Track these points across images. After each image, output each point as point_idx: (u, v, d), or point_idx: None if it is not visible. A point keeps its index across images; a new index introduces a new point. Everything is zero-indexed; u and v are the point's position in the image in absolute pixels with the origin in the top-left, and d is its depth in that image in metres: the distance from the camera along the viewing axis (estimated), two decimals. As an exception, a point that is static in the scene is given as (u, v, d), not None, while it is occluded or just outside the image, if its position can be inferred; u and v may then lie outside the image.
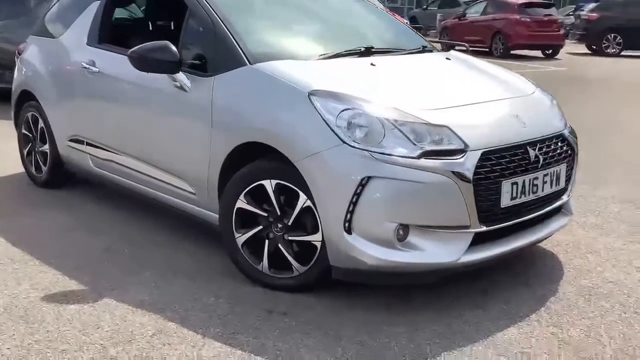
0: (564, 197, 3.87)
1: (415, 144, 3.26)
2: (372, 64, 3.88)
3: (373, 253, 3.26)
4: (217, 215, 3.86)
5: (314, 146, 3.32)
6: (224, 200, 3.72)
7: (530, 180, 3.51)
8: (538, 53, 19.92)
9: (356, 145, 3.25)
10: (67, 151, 5.03)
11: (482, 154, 3.32)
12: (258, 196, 3.63)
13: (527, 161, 3.50)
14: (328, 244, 3.36)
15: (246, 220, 3.69)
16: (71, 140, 4.96)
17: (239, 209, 3.67)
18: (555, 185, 3.70)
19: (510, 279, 3.84)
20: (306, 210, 3.49)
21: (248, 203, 3.64)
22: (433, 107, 3.47)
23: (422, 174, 3.22)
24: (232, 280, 3.76)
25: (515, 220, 3.53)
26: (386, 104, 3.39)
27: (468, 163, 3.27)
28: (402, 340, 3.19)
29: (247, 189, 3.62)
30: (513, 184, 3.43)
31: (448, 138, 3.32)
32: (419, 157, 3.23)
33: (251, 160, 3.66)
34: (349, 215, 3.26)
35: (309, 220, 3.52)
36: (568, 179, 3.84)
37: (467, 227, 3.32)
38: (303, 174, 3.36)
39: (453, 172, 3.24)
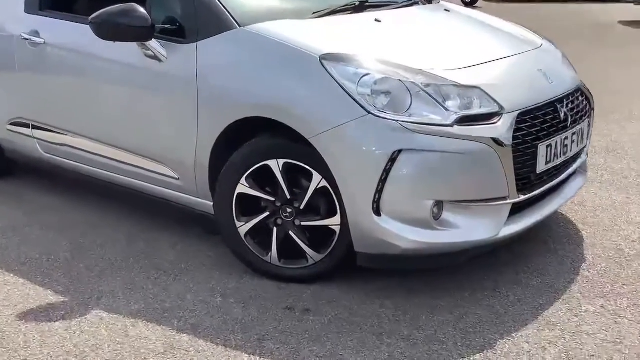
0: (583, 156, 3.60)
1: (447, 110, 2.88)
2: (377, 20, 3.45)
3: (407, 235, 2.89)
4: (209, 203, 3.40)
5: (333, 119, 2.89)
6: (221, 186, 3.25)
7: (561, 140, 3.21)
8: (458, 1, 19.79)
9: (383, 115, 2.85)
10: (8, 136, 4.38)
11: (517, 116, 2.98)
12: (262, 179, 3.18)
13: (558, 120, 3.19)
14: (353, 229, 2.97)
15: (249, 206, 3.24)
16: (12, 124, 4.31)
17: (240, 194, 3.21)
18: (580, 143, 3.42)
19: (532, 247, 3.56)
20: (320, 192, 3.07)
21: (251, 187, 3.18)
22: (457, 66, 3.10)
23: (459, 143, 2.85)
24: (233, 275, 3.32)
25: (548, 185, 3.24)
26: (409, 66, 2.98)
27: (505, 127, 2.93)
28: (449, 329, 2.86)
29: (249, 171, 3.16)
30: (548, 146, 3.12)
31: (481, 100, 2.96)
32: (453, 124, 2.86)
33: (249, 138, 3.19)
34: (377, 195, 2.87)
35: (322, 203, 3.11)
36: (588, 135, 3.56)
37: (505, 198, 2.99)
38: (320, 151, 2.93)
39: (492, 139, 2.88)
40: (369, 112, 2.85)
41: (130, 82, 3.52)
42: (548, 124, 3.13)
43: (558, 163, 3.25)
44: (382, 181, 2.85)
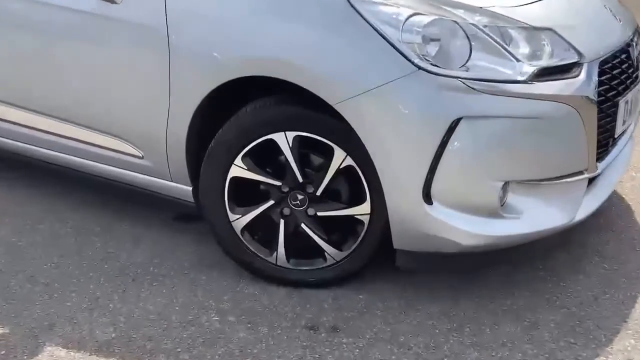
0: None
1: (519, 60, 2.17)
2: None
3: (468, 228, 2.21)
4: (187, 187, 2.62)
5: (368, 78, 2.14)
6: (208, 168, 2.46)
7: (634, 95, 2.56)
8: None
9: (437, 69, 2.11)
10: None
11: (599, 66, 2.31)
12: (263, 158, 2.41)
13: (632, 69, 2.54)
14: (393, 221, 2.26)
15: (246, 194, 2.47)
16: None
17: (235, 179, 2.43)
18: (642, 96, 2.78)
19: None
20: (342, 174, 2.34)
21: (249, 169, 2.41)
22: (517, 2, 2.37)
23: (535, 105, 2.16)
24: (226, 280, 2.57)
25: (617, 152, 2.60)
26: (465, 2, 2.24)
27: (588, 81, 2.25)
28: (525, 347, 2.21)
29: (247, 148, 2.38)
30: (626, 102, 2.47)
31: (554, 47, 2.25)
32: (529, 79, 2.15)
33: (241, 106, 2.41)
34: (428, 178, 2.16)
35: (344, 187, 2.39)
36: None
37: (582, 171, 2.34)
38: (350, 121, 2.18)
39: (575, 97, 2.20)
40: (419, 67, 2.11)
41: (79, 35, 2.62)
42: (625, 75, 2.47)
43: (629, 124, 2.62)
44: (436, 159, 2.14)
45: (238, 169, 2.41)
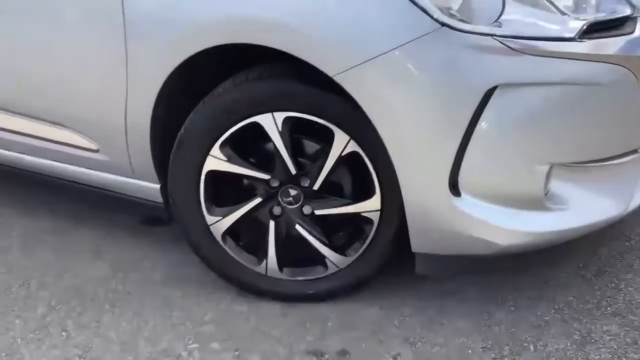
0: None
1: (563, 13, 1.73)
2: None
3: (508, 224, 1.78)
4: (153, 185, 2.16)
5: (379, 41, 1.69)
6: (178, 160, 2.00)
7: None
8: None
9: (464, 26, 1.67)
10: None
11: (654, 20, 1.88)
12: (246, 146, 1.97)
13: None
14: (411, 218, 1.82)
15: (227, 191, 2.02)
16: None
17: (212, 172, 1.98)
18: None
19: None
20: (344, 162, 1.89)
21: (229, 160, 1.95)
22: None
23: (588, 68, 1.72)
24: (204, 297, 2.12)
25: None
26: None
27: (643, 38, 1.82)
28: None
29: (226, 134, 1.92)
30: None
31: None
32: (578, 36, 1.71)
33: (216, 84, 1.95)
34: (456, 163, 1.72)
35: (346, 179, 1.95)
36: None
37: (637, 150, 1.92)
38: (355, 96, 1.73)
39: (636, 58, 1.78)
40: (441, 23, 1.66)
41: (15, 4, 2.13)
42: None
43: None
44: (465, 139, 1.70)
45: (215, 161, 1.95)
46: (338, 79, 1.73)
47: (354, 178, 1.97)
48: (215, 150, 1.94)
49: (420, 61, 1.67)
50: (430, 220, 1.80)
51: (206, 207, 2.01)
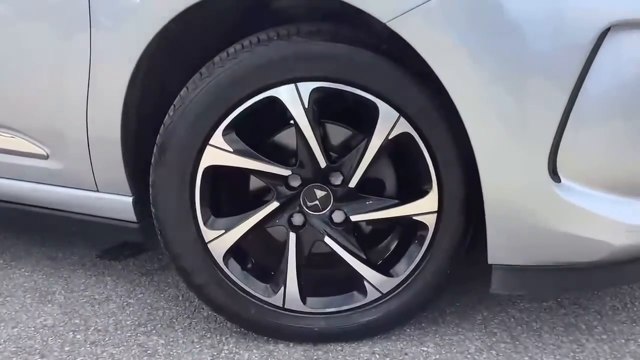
0: None
1: None
2: None
3: (629, 219, 1.32)
4: (123, 198, 1.63)
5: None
6: (165, 157, 1.47)
7: None
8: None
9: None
10: None
11: None
12: (257, 131, 1.47)
13: None
14: (492, 216, 1.35)
15: (231, 195, 1.51)
16: None
17: (212, 169, 1.46)
18: None
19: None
20: (388, 150, 1.43)
21: (236, 151, 1.44)
22: None
23: None
24: (198, 345, 1.58)
25: None
26: None
27: None
28: None
29: (232, 115, 1.42)
30: None
31: None
32: None
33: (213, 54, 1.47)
34: (557, 138, 1.26)
35: (389, 173, 1.48)
36: None
37: None
38: (421, 46, 1.28)
39: None
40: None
41: None
42: None
43: None
44: (570, 102, 1.25)
45: (216, 153, 1.45)
46: (394, 25, 1.27)
47: (398, 171, 1.51)
48: (217, 138, 1.44)
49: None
50: (519, 217, 1.33)
51: (203, 218, 1.49)
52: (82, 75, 1.52)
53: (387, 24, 1.28)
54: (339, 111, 1.49)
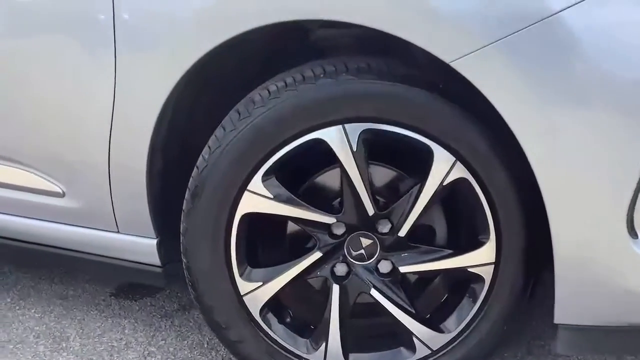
0: None
1: None
2: None
3: None
4: (146, 241, 1.50)
5: (525, 6, 1.13)
6: (198, 201, 1.35)
7: None
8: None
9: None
10: None
11: None
12: (296, 176, 1.35)
13: None
14: (561, 274, 1.23)
15: (267, 243, 1.39)
16: None
17: (250, 216, 1.34)
18: None
19: None
20: (442, 196, 1.31)
21: (277, 197, 1.32)
22: None
23: None
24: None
25: None
26: None
27: None
28: None
29: (274, 159, 1.30)
30: None
31: None
32: None
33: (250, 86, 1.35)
34: (637, 189, 1.15)
35: (440, 221, 1.36)
36: None
37: None
38: (487, 88, 1.16)
39: None
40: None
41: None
42: None
43: None
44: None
45: (255, 200, 1.33)
46: (459, 65, 1.16)
47: (450, 219, 1.39)
48: (256, 183, 1.31)
49: (580, 26, 1.12)
50: (593, 275, 1.22)
51: (239, 269, 1.37)
52: (105, 110, 1.40)
53: (450, 64, 1.16)
54: (387, 151, 1.37)
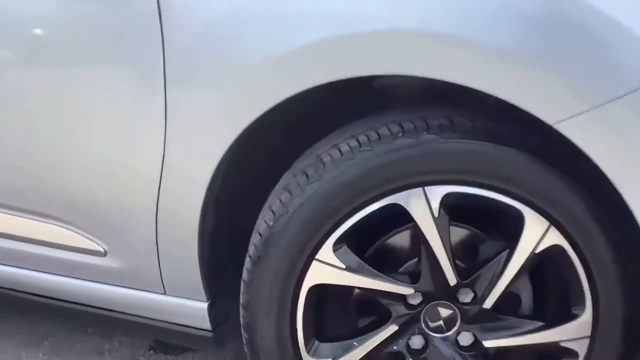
0: None
1: None
2: None
3: None
4: (197, 304, 1.37)
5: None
6: (260, 269, 1.22)
7: None
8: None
9: None
10: None
11: None
12: (366, 240, 1.22)
13: None
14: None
15: (332, 313, 1.26)
16: None
17: (318, 288, 1.21)
18: None
19: None
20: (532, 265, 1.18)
21: (349, 267, 1.19)
22: None
23: None
24: None
25: None
26: None
27: None
28: None
29: (346, 225, 1.17)
30: None
31: None
32: None
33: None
34: None
35: (526, 291, 1.23)
36: None
37: None
38: (596, 154, 1.03)
39: None
40: None
41: None
42: None
43: None
44: None
45: (325, 269, 1.20)
46: (564, 127, 1.02)
47: (538, 289, 1.26)
48: (326, 252, 1.19)
49: None
50: None
51: (306, 344, 1.24)
52: (154, 161, 1.28)
53: (554, 125, 1.03)
54: (467, 210, 1.24)
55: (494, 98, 1.07)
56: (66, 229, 1.43)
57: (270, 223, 1.19)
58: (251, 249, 1.23)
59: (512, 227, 1.17)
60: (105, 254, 1.43)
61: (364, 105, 1.27)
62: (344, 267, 1.19)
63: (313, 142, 1.25)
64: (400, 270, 1.26)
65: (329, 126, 1.26)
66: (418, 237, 1.20)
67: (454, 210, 1.19)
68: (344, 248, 1.19)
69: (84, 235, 1.43)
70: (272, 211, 1.20)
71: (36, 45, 1.30)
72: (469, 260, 1.24)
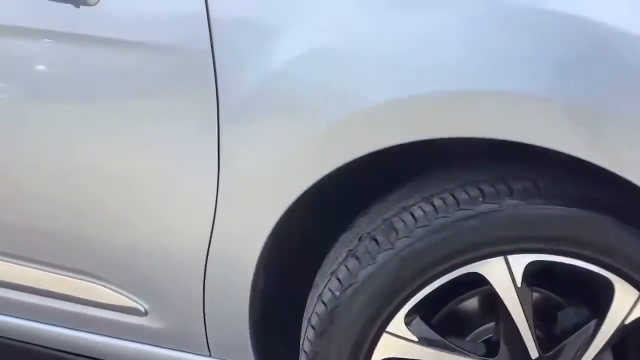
0: None
1: None
2: None
3: None
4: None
5: None
6: (323, 342, 1.13)
7: None
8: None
9: None
10: None
11: None
12: (438, 314, 1.14)
13: None
14: None
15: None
16: None
17: (389, 362, 1.12)
18: None
19: None
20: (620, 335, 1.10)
21: (422, 341, 1.10)
22: None
23: None
24: None
25: None
26: None
27: None
28: None
29: (419, 296, 1.08)
30: None
31: None
32: None
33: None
34: None
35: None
36: None
37: None
38: None
39: None
40: None
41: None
42: None
43: None
44: None
45: (396, 342, 1.11)
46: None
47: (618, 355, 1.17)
48: (397, 324, 1.10)
49: None
50: None
51: None
52: (205, 213, 1.18)
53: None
54: (547, 276, 1.15)
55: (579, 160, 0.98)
56: (102, 286, 1.34)
57: (337, 293, 1.10)
58: (314, 319, 1.14)
59: (596, 295, 1.09)
60: (146, 313, 1.34)
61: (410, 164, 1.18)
62: (416, 340, 1.10)
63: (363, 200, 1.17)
64: (468, 338, 1.17)
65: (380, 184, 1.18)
66: (492, 302, 1.11)
67: (535, 275, 1.10)
68: (417, 320, 1.10)
69: (121, 294, 1.34)
70: (339, 280, 1.11)
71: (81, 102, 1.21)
72: (548, 329, 1.15)
